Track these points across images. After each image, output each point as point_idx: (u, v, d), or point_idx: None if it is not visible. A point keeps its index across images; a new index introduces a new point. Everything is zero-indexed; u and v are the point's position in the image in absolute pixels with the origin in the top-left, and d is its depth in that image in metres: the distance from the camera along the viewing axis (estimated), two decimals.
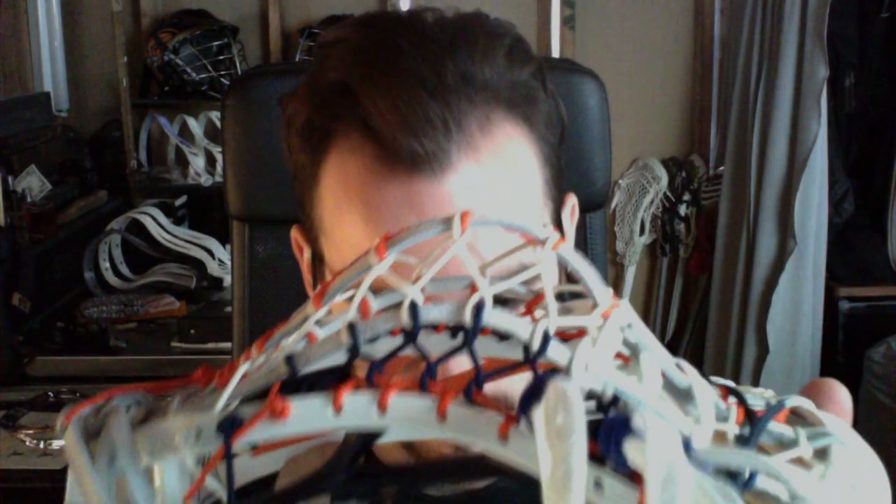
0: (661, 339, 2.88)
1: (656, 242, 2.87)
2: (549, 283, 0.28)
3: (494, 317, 0.27)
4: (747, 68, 2.43)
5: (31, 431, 1.61)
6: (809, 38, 2.28)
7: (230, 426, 0.27)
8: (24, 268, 2.02)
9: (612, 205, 2.81)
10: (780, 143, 2.35)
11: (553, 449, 0.22)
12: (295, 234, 0.66)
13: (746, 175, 2.43)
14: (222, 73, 2.64)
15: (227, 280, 2.27)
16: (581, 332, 0.27)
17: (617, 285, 2.85)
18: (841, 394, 0.35)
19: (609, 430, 0.23)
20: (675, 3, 2.80)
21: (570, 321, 0.27)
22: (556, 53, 2.72)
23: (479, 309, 0.27)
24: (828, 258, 2.38)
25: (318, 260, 0.62)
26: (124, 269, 2.36)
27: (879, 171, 2.49)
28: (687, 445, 0.24)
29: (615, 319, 0.27)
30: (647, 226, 2.84)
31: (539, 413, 0.23)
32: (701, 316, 2.76)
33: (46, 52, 2.70)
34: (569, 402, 0.23)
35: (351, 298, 0.29)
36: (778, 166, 2.36)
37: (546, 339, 0.26)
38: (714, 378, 0.32)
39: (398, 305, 0.28)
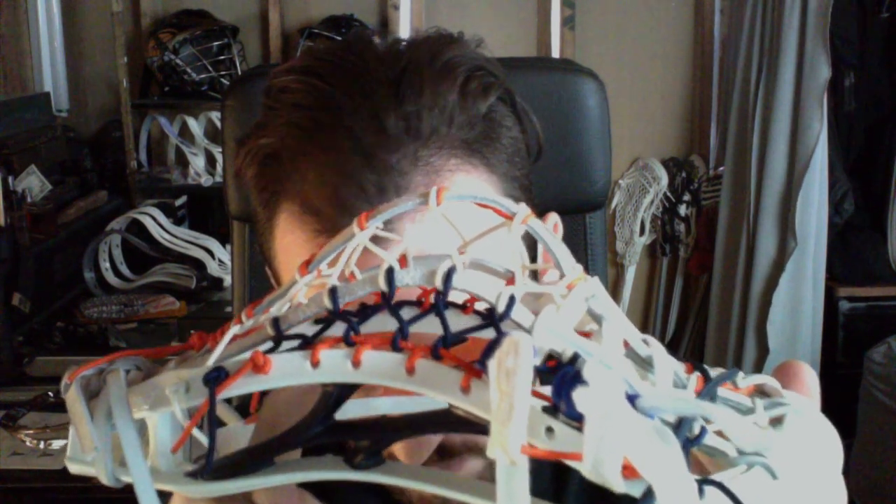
0: (662, 339, 2.88)
1: (656, 242, 2.87)
2: (518, 254, 0.30)
3: (464, 281, 0.29)
4: (747, 68, 2.43)
5: (31, 431, 1.61)
6: (811, 38, 2.28)
7: (215, 378, 0.28)
8: (24, 268, 2.02)
9: (613, 205, 2.81)
10: (781, 144, 2.35)
11: (500, 387, 0.24)
12: (268, 271, 0.64)
13: (746, 175, 2.43)
14: (222, 73, 2.64)
15: (227, 280, 2.27)
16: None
17: (617, 285, 2.85)
18: (807, 375, 0.35)
19: (561, 380, 0.25)
20: (675, 3, 2.80)
21: (536, 288, 0.29)
22: (556, 53, 2.72)
23: (449, 273, 0.29)
24: (828, 258, 2.38)
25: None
26: (124, 270, 2.36)
27: (879, 171, 2.50)
28: (632, 396, 0.25)
29: (580, 290, 0.29)
30: (647, 226, 2.84)
31: (493, 359, 0.25)
32: (701, 316, 2.76)
33: (46, 52, 2.70)
34: (518, 348, 0.24)
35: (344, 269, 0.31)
36: (778, 166, 2.36)
37: (511, 302, 0.28)
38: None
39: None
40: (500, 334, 0.26)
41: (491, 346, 0.25)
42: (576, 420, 0.24)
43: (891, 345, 2.26)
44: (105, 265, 2.33)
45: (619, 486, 0.23)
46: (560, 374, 0.25)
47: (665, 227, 2.83)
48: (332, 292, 0.29)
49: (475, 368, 0.26)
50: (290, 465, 0.31)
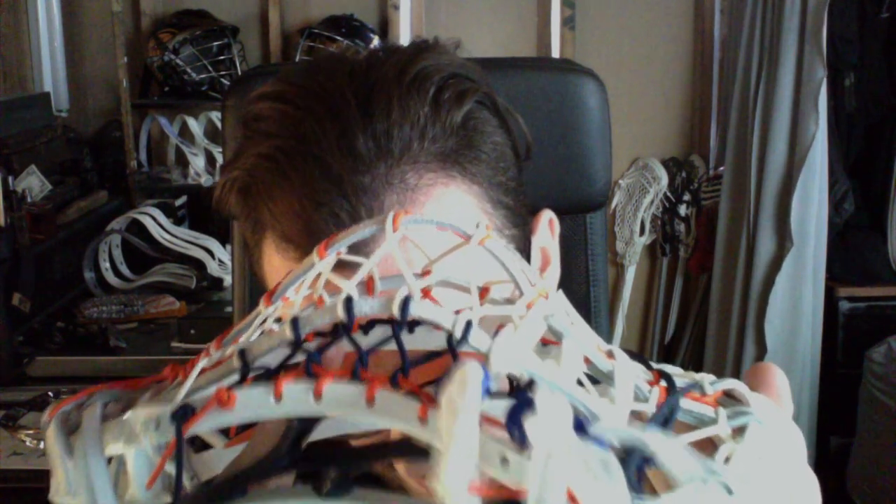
0: (661, 339, 2.88)
1: (656, 242, 2.87)
2: (475, 277, 0.31)
3: (421, 309, 0.29)
4: (747, 68, 2.43)
5: (31, 431, 1.61)
6: (808, 39, 2.28)
7: (182, 415, 0.29)
8: (24, 268, 2.02)
9: (612, 205, 2.82)
10: (780, 144, 2.35)
11: (447, 421, 0.24)
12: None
13: (746, 175, 2.43)
14: (222, 73, 2.64)
15: (227, 280, 2.27)
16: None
17: (617, 285, 2.85)
18: (776, 378, 0.36)
19: (514, 409, 0.25)
20: (675, 3, 2.80)
21: (495, 310, 0.29)
22: (556, 53, 2.72)
23: (406, 302, 0.29)
24: (828, 258, 2.38)
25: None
26: (124, 270, 2.36)
27: (879, 171, 2.50)
28: (580, 422, 0.25)
29: (539, 309, 0.29)
30: (647, 226, 2.84)
31: (444, 391, 0.25)
32: (701, 316, 2.76)
33: (46, 52, 2.70)
34: (466, 378, 0.24)
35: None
36: (778, 166, 2.36)
37: (468, 327, 0.28)
38: (664, 366, 0.34)
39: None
40: (456, 362, 0.26)
41: (446, 377, 0.25)
42: (526, 448, 0.24)
43: (891, 345, 2.26)
44: (105, 265, 2.33)
45: None
46: (513, 403, 0.25)
47: (665, 227, 2.83)
48: (294, 323, 0.30)
49: (431, 397, 0.26)
50: (261, 494, 0.31)
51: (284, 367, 0.30)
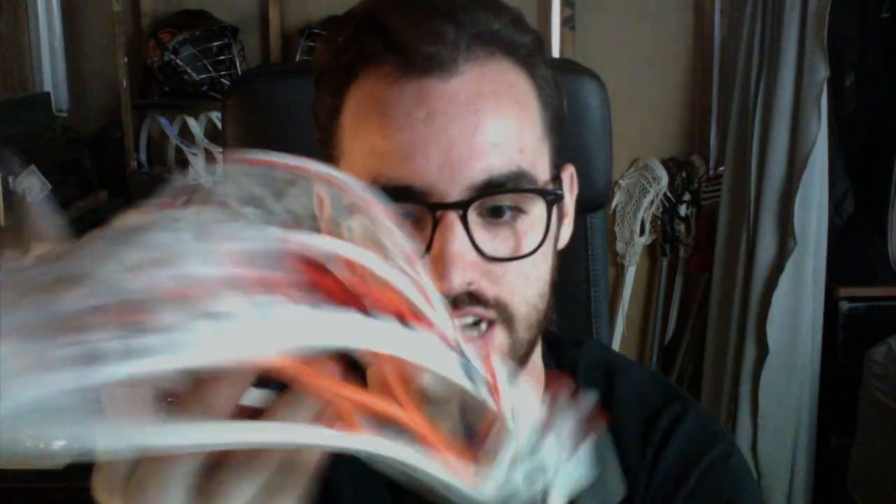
0: (661, 339, 2.88)
1: (656, 242, 2.87)
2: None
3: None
4: (747, 68, 2.43)
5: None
6: (809, 39, 2.28)
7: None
8: None
9: (613, 205, 2.81)
10: (781, 144, 2.35)
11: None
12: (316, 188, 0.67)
13: (746, 175, 2.43)
14: (222, 73, 2.63)
15: None
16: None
17: (617, 285, 2.85)
18: None
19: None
20: (675, 3, 2.80)
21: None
22: (556, 53, 2.72)
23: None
24: (828, 258, 2.38)
25: None
26: None
27: (879, 171, 2.49)
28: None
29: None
30: (647, 226, 2.83)
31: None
32: (701, 316, 2.76)
33: (46, 52, 2.69)
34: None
35: None
36: (778, 166, 2.36)
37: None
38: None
39: None
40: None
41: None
42: None
43: (891, 345, 2.26)
44: None
45: None
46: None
47: (665, 227, 2.83)
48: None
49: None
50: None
51: None
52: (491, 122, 0.57)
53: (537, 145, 0.61)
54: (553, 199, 0.61)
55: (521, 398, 0.39)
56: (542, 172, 0.61)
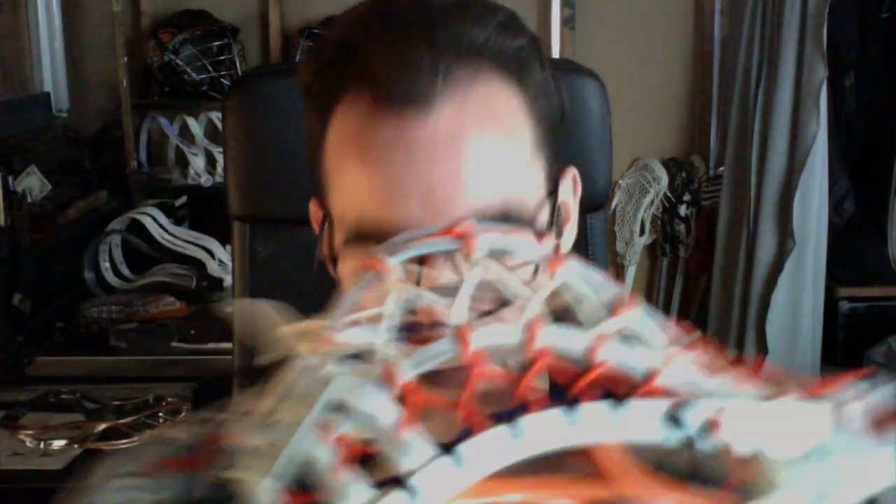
0: None
1: (656, 242, 2.87)
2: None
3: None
4: (747, 68, 2.43)
5: (31, 431, 1.61)
6: (809, 39, 2.28)
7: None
8: (25, 268, 2.02)
9: (613, 205, 2.81)
10: (780, 144, 2.35)
11: None
12: (312, 205, 0.67)
13: (746, 175, 2.43)
14: (222, 73, 2.64)
15: (227, 280, 2.27)
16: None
17: None
18: None
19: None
20: (675, 3, 2.80)
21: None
22: (556, 53, 2.72)
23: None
24: (828, 258, 2.38)
25: (329, 223, 0.63)
26: (124, 270, 2.36)
27: (879, 171, 2.49)
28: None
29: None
30: (647, 226, 2.84)
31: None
32: (701, 316, 2.76)
33: (46, 52, 2.70)
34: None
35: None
36: (778, 166, 2.36)
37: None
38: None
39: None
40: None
41: None
42: None
43: (891, 345, 2.26)
44: (105, 265, 2.33)
45: None
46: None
47: (665, 227, 2.83)
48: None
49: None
50: None
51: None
52: (473, 158, 0.56)
53: (527, 169, 0.60)
54: (542, 230, 0.60)
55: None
56: (536, 192, 0.60)
